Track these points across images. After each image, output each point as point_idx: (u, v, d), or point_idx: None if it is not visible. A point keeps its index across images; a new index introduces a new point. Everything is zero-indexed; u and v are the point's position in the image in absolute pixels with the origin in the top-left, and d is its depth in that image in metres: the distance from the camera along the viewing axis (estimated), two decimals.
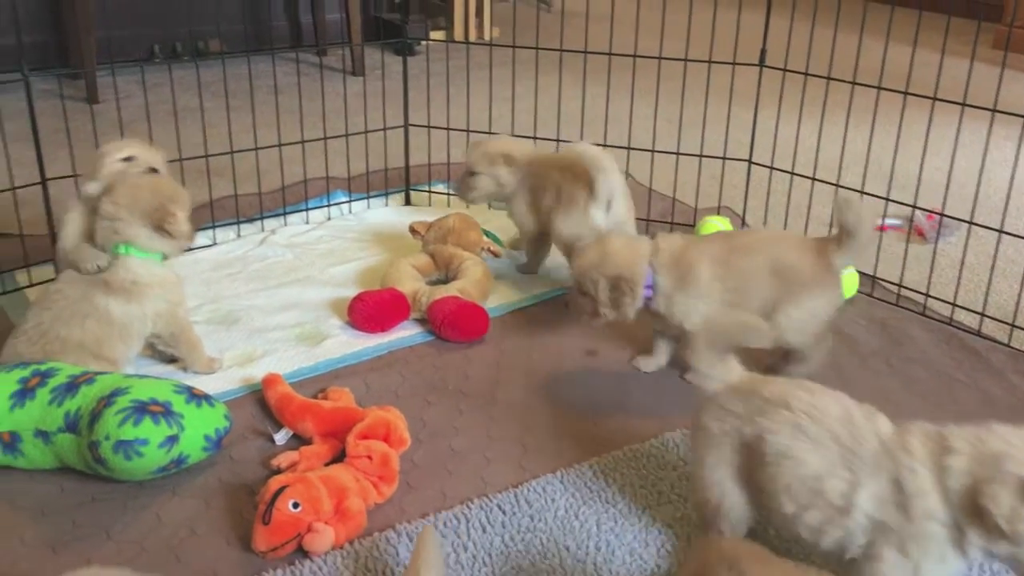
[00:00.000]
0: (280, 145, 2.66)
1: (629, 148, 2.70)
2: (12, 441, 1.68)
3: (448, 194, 2.87)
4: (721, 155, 2.61)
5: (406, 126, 2.82)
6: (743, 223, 2.66)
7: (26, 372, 1.74)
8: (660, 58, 2.55)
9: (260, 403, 1.92)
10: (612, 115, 2.73)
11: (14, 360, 1.82)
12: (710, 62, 2.55)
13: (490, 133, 2.78)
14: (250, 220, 2.70)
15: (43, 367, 1.76)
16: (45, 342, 1.85)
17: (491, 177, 2.40)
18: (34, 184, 2.33)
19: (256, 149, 2.61)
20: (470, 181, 2.43)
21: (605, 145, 2.69)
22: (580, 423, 1.89)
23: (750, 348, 1.70)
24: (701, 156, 2.62)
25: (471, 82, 2.88)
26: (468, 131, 2.79)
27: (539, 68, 2.68)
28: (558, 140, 2.71)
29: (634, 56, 2.58)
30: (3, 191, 2.35)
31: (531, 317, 2.27)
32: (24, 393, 1.69)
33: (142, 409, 1.61)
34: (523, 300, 2.34)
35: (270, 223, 2.70)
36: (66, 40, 4.11)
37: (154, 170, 2.07)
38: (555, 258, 2.45)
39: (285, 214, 2.73)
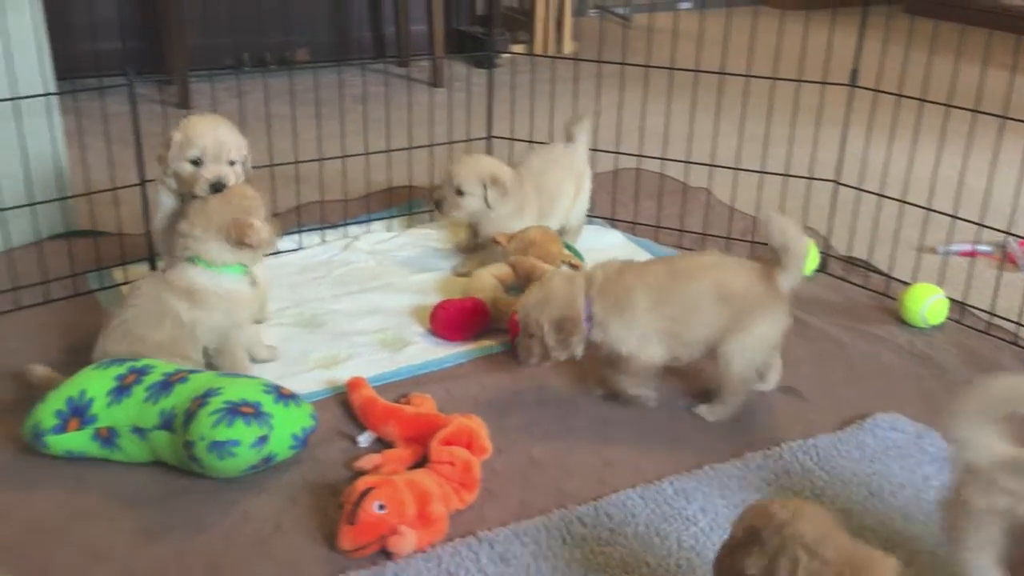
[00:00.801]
0: (367, 154, 2.72)
1: (712, 165, 2.69)
2: (110, 436, 1.74)
3: None
4: (806, 175, 2.59)
5: (489, 138, 2.86)
6: (827, 245, 2.63)
7: (122, 369, 1.80)
8: (747, 76, 2.54)
9: (344, 405, 1.96)
10: (695, 133, 2.73)
11: (103, 357, 1.88)
12: (799, 81, 2.53)
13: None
14: (334, 226, 2.75)
15: (138, 364, 1.82)
16: (130, 341, 1.91)
17: (479, 198, 2.45)
18: (134, 185, 2.41)
19: (343, 157, 2.67)
20: (458, 200, 2.45)
21: (688, 162, 2.69)
22: (659, 440, 1.88)
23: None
24: (786, 175, 2.60)
25: (546, 95, 2.90)
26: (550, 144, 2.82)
27: (618, 83, 2.69)
28: (639, 155, 2.71)
29: (720, 73, 2.57)
30: (104, 191, 2.44)
31: None
32: (121, 390, 1.75)
33: (234, 411, 1.66)
34: None
35: (354, 229, 2.75)
36: (160, 47, 4.24)
37: (219, 186, 2.03)
38: None
39: (369, 221, 2.79)
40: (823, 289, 2.49)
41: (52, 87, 2.46)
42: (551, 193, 2.57)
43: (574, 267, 2.44)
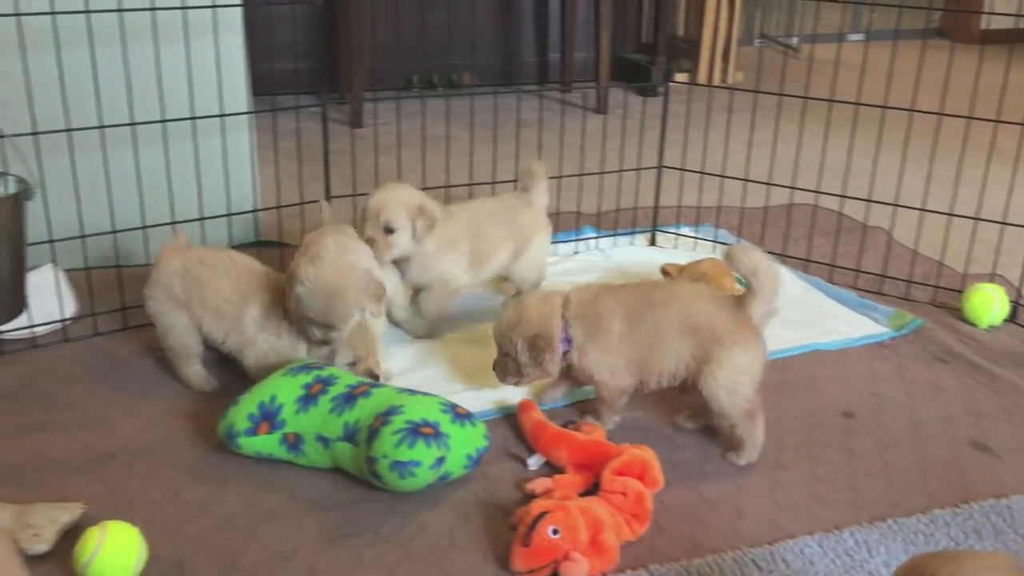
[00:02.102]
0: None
1: (893, 205, 2.59)
2: (296, 442, 1.82)
3: (695, 237, 2.86)
4: (1000, 219, 2.46)
5: (659, 167, 2.85)
6: (1019, 294, 2.49)
7: (309, 378, 1.88)
8: (911, 110, 2.44)
9: (513, 426, 1.99)
10: (865, 169, 2.64)
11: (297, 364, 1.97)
12: (970, 118, 2.41)
13: (747, 180, 2.76)
14: None
15: (323, 373, 1.90)
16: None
17: (408, 232, 2.19)
18: (317, 201, 2.53)
19: (516, 181, 2.71)
20: (388, 240, 2.18)
21: (868, 200, 2.61)
22: (835, 487, 1.82)
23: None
24: (976, 219, 2.48)
25: (714, 125, 2.87)
26: (722, 176, 2.79)
27: (786, 114, 2.63)
28: (818, 192, 2.65)
29: (883, 107, 2.48)
30: (293, 205, 2.57)
31: (783, 369, 2.22)
32: (308, 399, 1.83)
33: (415, 431, 1.71)
34: (775, 351, 2.28)
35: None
36: (335, 67, 4.44)
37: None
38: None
39: None
40: (1014, 340, 2.35)
41: (250, 105, 2.62)
42: (488, 245, 2.34)
43: None
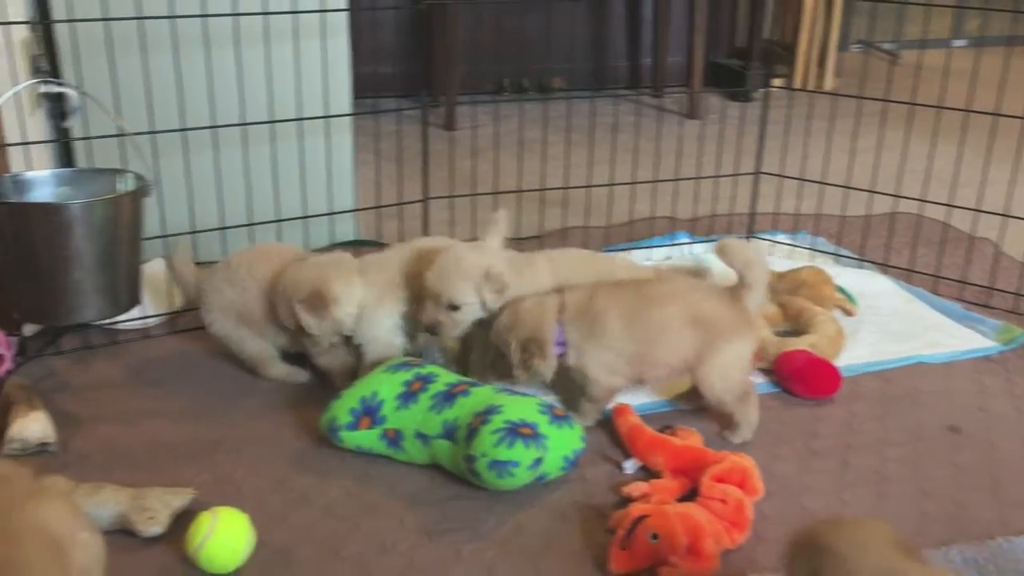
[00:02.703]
0: (634, 183, 2.75)
1: (1004, 215, 2.51)
2: (396, 438, 1.85)
3: (792, 245, 2.82)
4: None
5: (757, 173, 2.82)
6: None
7: (409, 375, 1.91)
8: None
9: (608, 430, 1.99)
10: (972, 179, 2.56)
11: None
12: None
13: (848, 187, 2.71)
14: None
15: (423, 371, 1.93)
16: None
17: (478, 306, 1.98)
18: (417, 201, 2.58)
19: (610, 185, 2.72)
20: (455, 317, 1.97)
21: (978, 211, 2.53)
22: (941, 503, 1.77)
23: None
24: None
25: (811, 132, 2.82)
26: (822, 183, 2.74)
27: (887, 121, 2.57)
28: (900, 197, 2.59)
29: (995, 115, 2.40)
30: (391, 205, 2.62)
31: (885, 381, 2.17)
32: (408, 396, 1.87)
33: (514, 431, 1.72)
34: (877, 362, 2.24)
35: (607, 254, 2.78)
36: (428, 71, 4.50)
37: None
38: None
39: (628, 249, 2.82)
40: None
41: (352, 107, 2.67)
42: None
43: (847, 312, 2.35)
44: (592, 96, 2.97)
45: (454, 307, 1.96)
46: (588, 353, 1.92)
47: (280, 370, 2.15)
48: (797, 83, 4.70)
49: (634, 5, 4.74)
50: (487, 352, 2.04)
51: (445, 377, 1.91)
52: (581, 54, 4.72)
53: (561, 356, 1.93)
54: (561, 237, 2.80)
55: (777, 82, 4.66)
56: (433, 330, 1.98)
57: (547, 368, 1.92)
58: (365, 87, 3.43)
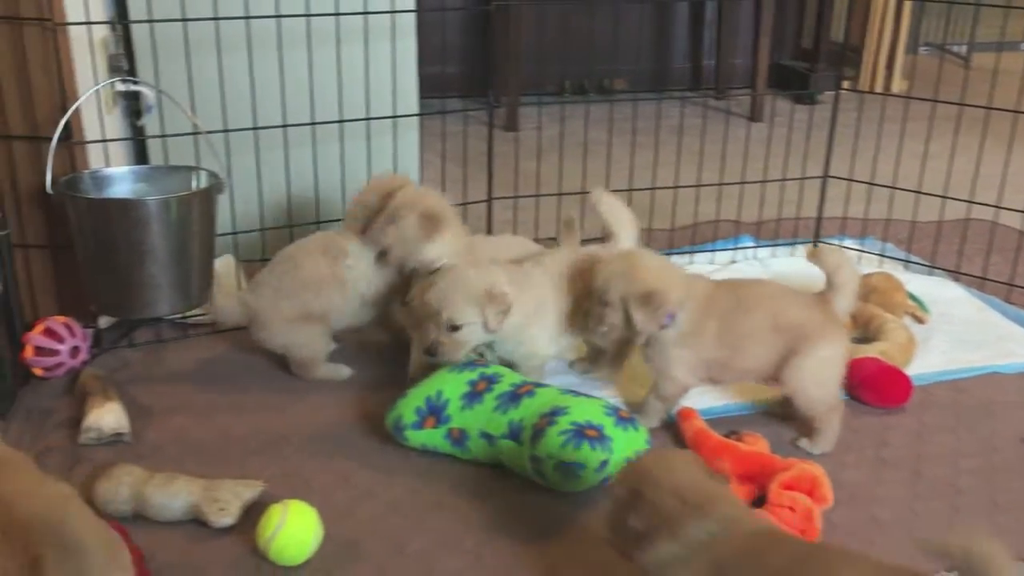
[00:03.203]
0: (698, 186, 2.73)
1: None
2: (460, 437, 1.86)
3: (859, 250, 2.77)
4: None
5: (824, 176, 2.77)
6: None
7: (474, 375, 1.92)
8: None
9: (672, 433, 1.97)
10: None
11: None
12: None
13: (919, 192, 2.65)
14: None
15: (488, 371, 1.93)
16: None
17: (480, 326, 1.92)
18: (482, 201, 2.59)
19: (675, 187, 2.70)
20: (456, 339, 1.91)
21: None
22: (1017, 517, 1.73)
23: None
24: None
25: (880, 136, 2.77)
26: (893, 187, 2.69)
27: (956, 126, 2.51)
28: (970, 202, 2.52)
29: None
30: (456, 205, 2.62)
31: (958, 391, 2.12)
32: (473, 396, 1.87)
33: (581, 433, 1.72)
34: (950, 371, 2.19)
35: (675, 260, 2.76)
36: (489, 71, 4.52)
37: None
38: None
39: (692, 252, 2.80)
40: None
41: (419, 107, 2.70)
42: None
43: (918, 319, 2.31)
44: (653, 98, 2.95)
45: (455, 327, 1.90)
46: (678, 345, 1.89)
47: (327, 370, 2.18)
48: (863, 85, 4.62)
49: (697, 6, 4.71)
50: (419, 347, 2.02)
51: (510, 377, 1.92)
52: (643, 55, 4.70)
53: (662, 327, 1.88)
54: None
55: (843, 84, 4.59)
56: (432, 351, 1.91)
57: (648, 326, 1.86)
58: (429, 87, 3.45)
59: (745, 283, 2.05)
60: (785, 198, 2.86)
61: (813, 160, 2.81)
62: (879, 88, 4.63)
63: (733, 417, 2.03)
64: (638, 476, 1.36)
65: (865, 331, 2.27)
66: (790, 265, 2.78)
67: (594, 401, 1.84)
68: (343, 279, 2.11)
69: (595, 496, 1.77)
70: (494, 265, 1.98)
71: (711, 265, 2.76)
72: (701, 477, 1.35)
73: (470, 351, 1.96)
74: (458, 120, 2.60)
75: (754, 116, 4.23)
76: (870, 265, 2.67)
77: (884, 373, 2.07)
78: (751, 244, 2.85)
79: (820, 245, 1.92)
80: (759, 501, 1.71)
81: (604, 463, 1.73)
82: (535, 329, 2.00)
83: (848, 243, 2.86)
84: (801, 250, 2.85)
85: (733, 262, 2.79)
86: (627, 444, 1.78)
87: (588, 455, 1.71)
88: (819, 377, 1.87)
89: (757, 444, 1.87)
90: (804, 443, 1.92)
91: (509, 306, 1.91)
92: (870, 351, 2.14)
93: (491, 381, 1.90)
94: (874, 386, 2.06)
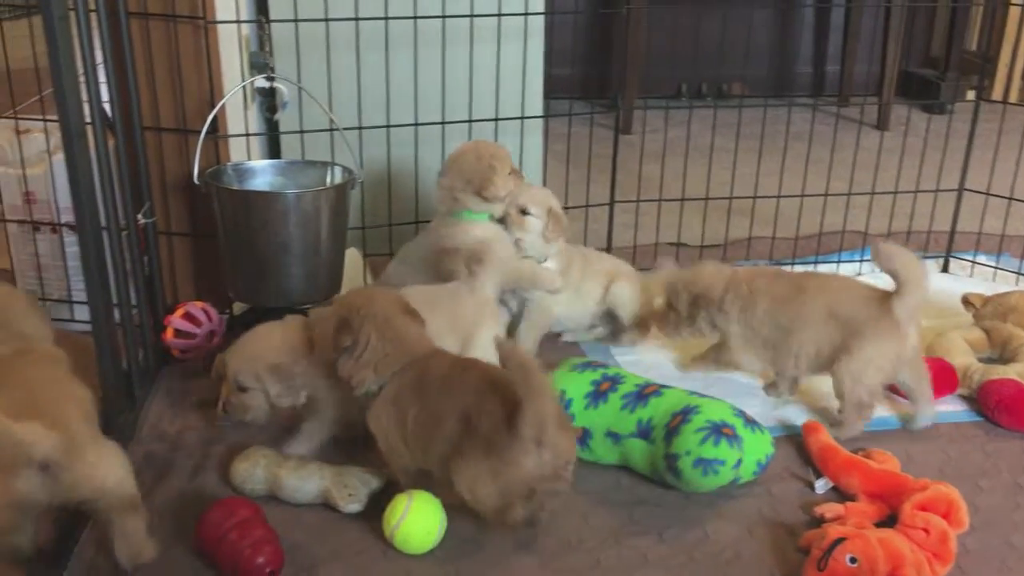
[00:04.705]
0: (825, 195, 2.67)
1: None
2: (583, 437, 1.87)
3: (994, 267, 2.66)
4: None
5: (960, 190, 2.68)
6: None
7: (596, 375, 1.92)
8: None
9: (795, 446, 1.94)
10: None
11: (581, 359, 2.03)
12: None
13: None
14: (779, 263, 2.74)
15: (610, 372, 1.94)
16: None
17: (541, 228, 2.20)
18: (603, 204, 2.59)
19: (802, 196, 2.66)
20: (524, 222, 2.21)
21: None
22: None
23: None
24: None
25: (1013, 147, 2.65)
26: None
27: None
28: None
29: None
30: (578, 207, 2.64)
31: None
32: (597, 396, 1.88)
33: (718, 430, 1.71)
34: None
35: (799, 269, 2.71)
36: (606, 74, 4.51)
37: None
38: None
39: (816, 262, 2.73)
40: None
41: (544, 108, 2.72)
42: None
43: None
44: (777, 104, 2.90)
45: (242, 388, 1.80)
46: (732, 325, 2.04)
47: None
48: (995, 95, 4.43)
49: (823, 12, 4.60)
50: None
51: (633, 378, 1.92)
52: (763, 60, 4.62)
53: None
54: (745, 247, 2.75)
55: (971, 93, 4.42)
56: (225, 409, 1.84)
57: (707, 326, 2.08)
58: (550, 89, 3.48)
59: (814, 274, 2.15)
60: (916, 210, 2.77)
61: (945, 172, 2.72)
62: (1013, 99, 4.43)
63: (862, 435, 1.98)
64: (350, 310, 1.68)
65: (1002, 352, 2.18)
66: None
67: (721, 403, 1.82)
68: None
69: (716, 505, 1.75)
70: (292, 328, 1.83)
71: None
72: (401, 319, 1.70)
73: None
74: (574, 122, 2.61)
75: (880, 124, 4.11)
76: (1006, 284, 2.57)
77: (1022, 395, 1.98)
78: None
79: (881, 244, 1.90)
80: (890, 520, 1.67)
81: (739, 462, 1.72)
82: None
83: (982, 259, 2.75)
84: (932, 265, 2.76)
85: (859, 274, 2.72)
86: (756, 446, 1.76)
87: (727, 452, 1.70)
88: (858, 372, 1.91)
89: (888, 463, 1.82)
90: (828, 430, 1.94)
91: (294, 379, 1.78)
92: (1008, 372, 2.06)
93: (615, 381, 1.90)
94: (1011, 409, 1.98)
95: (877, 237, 1.93)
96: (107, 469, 1.49)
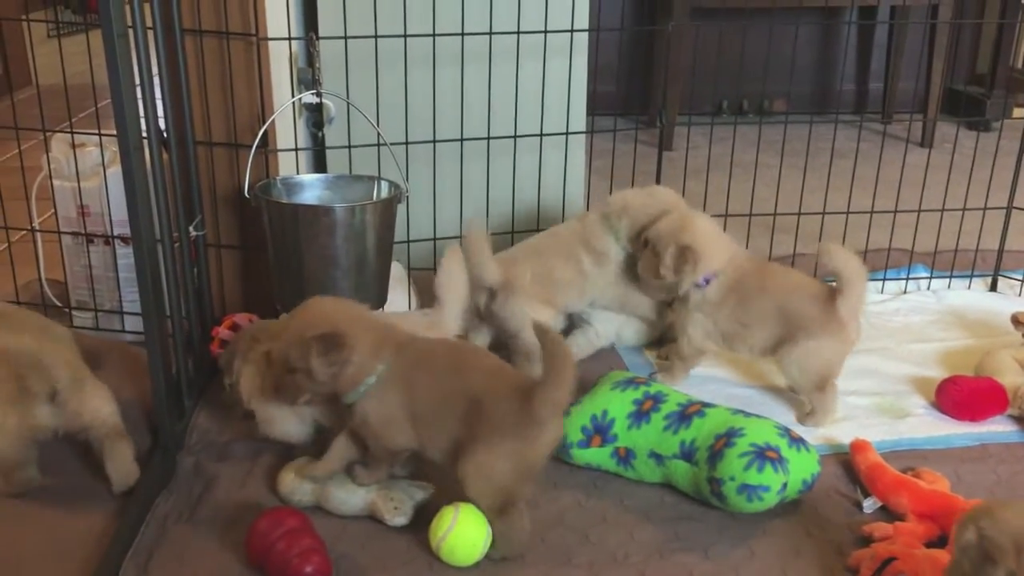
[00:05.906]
0: (872, 212, 2.65)
1: None
2: (626, 456, 1.86)
3: None
4: None
5: (1009, 208, 2.65)
6: None
7: (638, 394, 1.91)
8: None
9: (841, 465, 1.92)
10: None
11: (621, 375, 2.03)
12: None
13: None
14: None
15: (652, 389, 1.93)
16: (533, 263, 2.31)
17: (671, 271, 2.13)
18: None
19: (848, 213, 2.64)
20: (655, 264, 2.15)
21: None
22: None
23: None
24: None
25: None
26: None
27: None
28: None
29: None
30: None
31: None
32: (640, 415, 1.87)
33: (762, 455, 1.70)
34: None
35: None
36: (648, 90, 4.52)
37: None
38: None
39: None
40: None
41: (587, 124, 2.73)
42: None
43: None
44: (822, 120, 2.88)
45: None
46: (702, 309, 2.12)
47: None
48: None
49: (866, 29, 4.57)
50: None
51: (675, 396, 1.91)
52: (806, 77, 4.60)
53: (697, 286, 2.10)
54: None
55: (1021, 111, 4.37)
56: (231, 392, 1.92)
57: (688, 281, 2.09)
58: (593, 106, 3.49)
59: (772, 270, 2.18)
60: (964, 229, 2.74)
61: (992, 190, 2.68)
62: None
63: (904, 452, 1.96)
64: (332, 323, 1.63)
65: None
66: (965, 297, 2.67)
67: (766, 421, 1.81)
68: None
69: (762, 522, 1.74)
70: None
71: (880, 295, 2.67)
72: (375, 322, 1.69)
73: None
74: (610, 138, 2.62)
75: (925, 142, 4.07)
76: None
77: None
78: (925, 275, 2.74)
79: (827, 244, 2.00)
80: (940, 541, 1.64)
81: (784, 485, 1.70)
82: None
83: None
84: (979, 283, 2.73)
85: (905, 292, 2.70)
86: (802, 466, 1.74)
87: (771, 478, 1.69)
88: (801, 363, 2.04)
89: (938, 483, 1.80)
90: (804, 421, 2.06)
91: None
92: None
93: (657, 400, 1.90)
94: None
95: (828, 244, 2.00)
96: (101, 400, 1.78)
